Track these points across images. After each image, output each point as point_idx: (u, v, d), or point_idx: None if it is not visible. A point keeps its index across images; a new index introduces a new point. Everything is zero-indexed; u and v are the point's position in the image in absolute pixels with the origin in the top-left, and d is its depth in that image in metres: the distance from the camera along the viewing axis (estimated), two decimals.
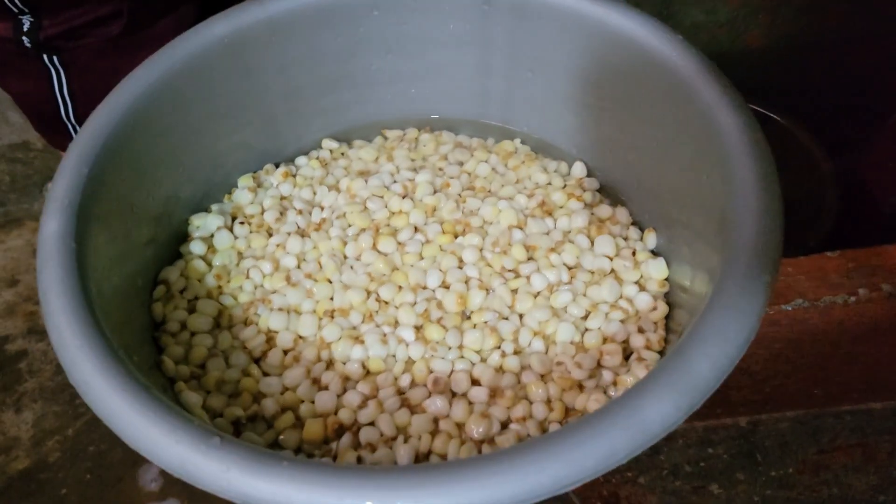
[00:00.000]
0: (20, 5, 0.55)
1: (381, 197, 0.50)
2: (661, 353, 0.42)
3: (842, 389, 0.55)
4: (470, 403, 0.40)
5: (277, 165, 0.54)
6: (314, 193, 0.51)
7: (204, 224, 0.48)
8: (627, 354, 0.43)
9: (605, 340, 0.43)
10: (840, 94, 0.86)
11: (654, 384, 0.30)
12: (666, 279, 0.45)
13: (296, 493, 0.27)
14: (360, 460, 0.38)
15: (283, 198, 0.51)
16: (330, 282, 0.46)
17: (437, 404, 0.40)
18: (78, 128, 0.67)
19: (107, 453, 1.19)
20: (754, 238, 0.34)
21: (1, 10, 0.55)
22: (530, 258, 0.47)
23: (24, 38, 0.57)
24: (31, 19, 0.57)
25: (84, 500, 1.16)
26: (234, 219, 0.49)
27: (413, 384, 0.41)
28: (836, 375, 0.53)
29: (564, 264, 0.46)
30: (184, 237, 0.48)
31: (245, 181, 0.51)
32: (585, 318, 0.44)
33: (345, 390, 0.41)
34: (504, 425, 0.40)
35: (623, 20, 0.45)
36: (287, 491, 0.28)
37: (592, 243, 0.47)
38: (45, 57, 0.61)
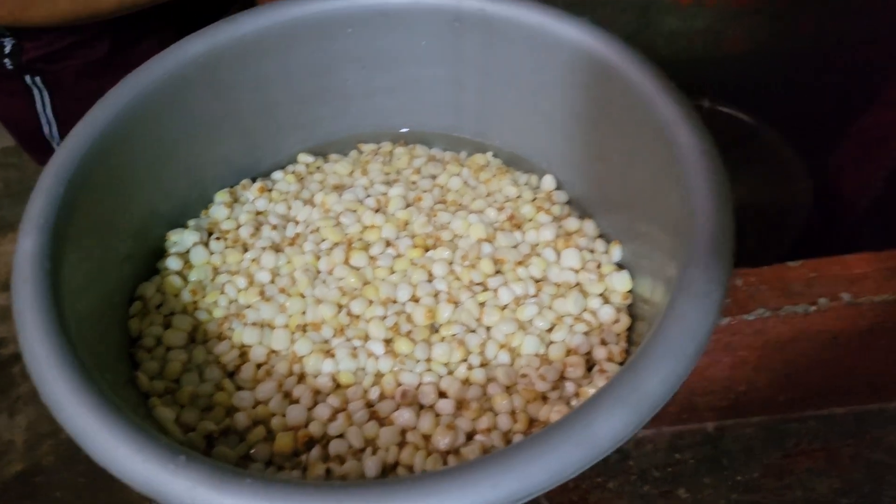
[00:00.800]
0: (1, 27, 0.55)
1: (355, 211, 0.51)
2: (622, 364, 0.43)
3: (805, 395, 0.56)
4: (437, 415, 0.41)
5: (254, 180, 0.55)
6: (289, 208, 0.53)
7: (180, 240, 0.49)
8: (590, 366, 0.44)
9: (568, 352, 0.44)
10: (813, 99, 0.87)
11: (604, 400, 0.31)
12: (629, 291, 0.46)
13: None
14: (329, 472, 0.39)
15: (258, 213, 0.52)
16: (303, 296, 0.47)
17: (404, 416, 0.41)
18: None
19: None
20: (706, 255, 0.35)
21: None
22: (498, 271, 0.48)
23: (5, 60, 0.58)
24: (13, 41, 0.58)
25: (78, 502, 1.17)
26: (210, 234, 0.50)
27: (382, 397, 0.42)
28: (799, 382, 0.55)
29: (531, 277, 0.47)
30: (160, 252, 0.49)
31: (222, 196, 0.52)
32: (550, 330, 0.45)
33: (315, 403, 0.42)
34: (469, 436, 0.41)
35: (584, 37, 0.46)
36: None
37: (559, 256, 0.48)
38: (27, 78, 0.61)
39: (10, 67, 0.59)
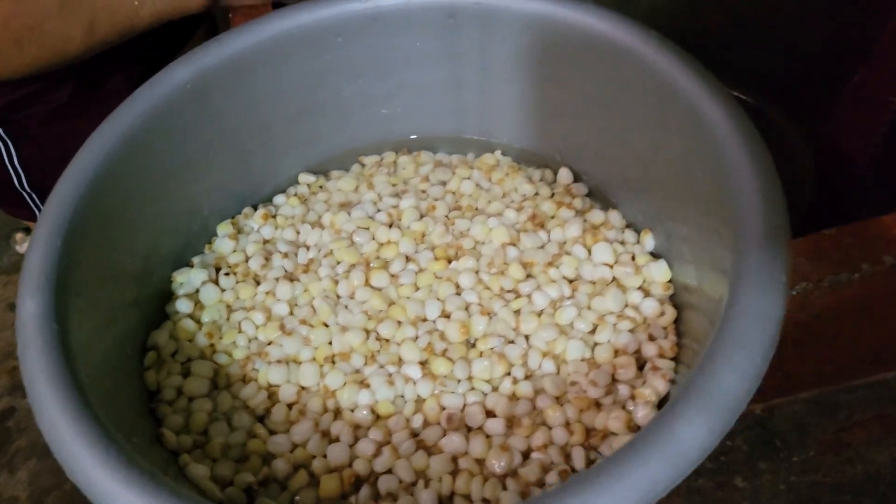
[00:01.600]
0: None
1: (367, 228, 0.49)
2: (675, 359, 0.41)
3: (852, 363, 0.54)
4: (487, 437, 0.39)
5: (256, 207, 0.52)
6: (297, 233, 0.50)
7: (188, 280, 0.46)
8: (641, 365, 0.41)
9: (616, 353, 0.41)
10: (801, 65, 0.85)
11: (682, 408, 0.29)
12: (669, 281, 0.44)
13: None
14: None
15: (265, 241, 0.49)
16: (326, 325, 0.44)
17: (454, 442, 0.38)
18: (35, 196, 0.65)
19: None
20: (763, 235, 0.33)
21: None
22: (528, 275, 0.45)
23: None
24: None
25: None
26: (218, 270, 0.47)
27: (426, 424, 0.40)
28: (845, 351, 0.53)
29: (564, 278, 0.45)
30: (168, 295, 0.46)
31: (224, 228, 0.49)
32: (593, 331, 0.42)
33: (356, 439, 0.39)
34: (525, 455, 0.38)
35: (593, 20, 0.44)
36: None
37: (590, 252, 0.46)
38: None
39: None
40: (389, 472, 0.38)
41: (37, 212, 0.68)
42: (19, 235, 1.46)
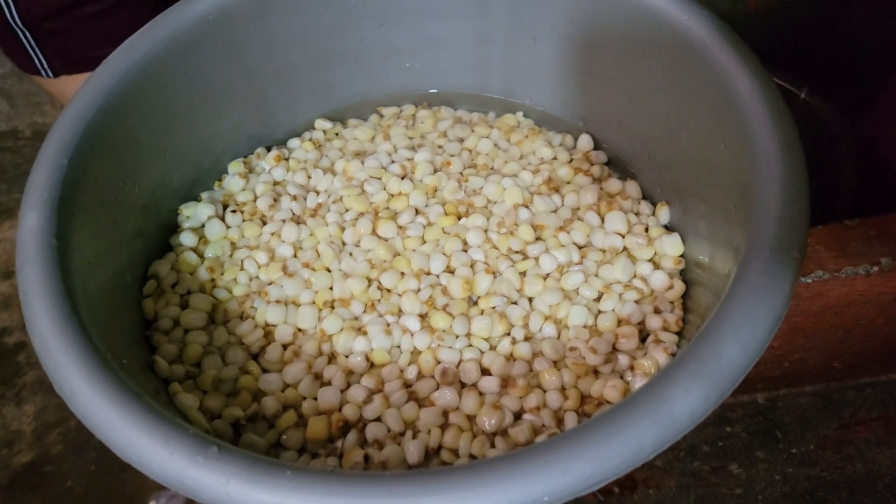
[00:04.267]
0: None
1: (379, 178, 0.48)
2: (680, 334, 0.40)
3: (862, 362, 0.53)
4: (480, 394, 0.38)
5: (269, 149, 0.51)
6: (308, 177, 0.49)
7: (194, 213, 0.46)
8: (644, 337, 0.40)
9: (619, 323, 0.40)
10: (843, 53, 0.83)
11: (680, 373, 0.28)
12: (682, 256, 0.43)
13: None
14: (367, 459, 0.36)
15: (276, 183, 0.49)
16: (329, 270, 0.44)
17: (446, 396, 0.38)
18: (27, 32, 0.63)
19: None
20: (780, 210, 0.32)
21: None
22: (538, 238, 0.44)
23: None
24: None
25: (89, 491, 1.15)
26: (225, 207, 0.47)
27: (420, 376, 0.39)
28: (856, 348, 0.51)
29: (574, 243, 0.44)
30: (173, 228, 0.46)
31: (236, 167, 0.49)
32: (598, 299, 0.42)
33: (348, 385, 0.39)
34: (517, 416, 0.38)
35: None
36: (292, 503, 0.26)
37: (603, 220, 0.45)
38: None
39: None
40: (378, 420, 0.37)
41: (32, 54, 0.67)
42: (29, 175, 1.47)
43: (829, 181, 0.70)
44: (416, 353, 0.40)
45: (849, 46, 0.87)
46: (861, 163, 0.71)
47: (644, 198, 0.47)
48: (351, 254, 0.44)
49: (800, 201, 0.32)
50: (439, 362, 0.39)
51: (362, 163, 0.49)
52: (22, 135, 1.50)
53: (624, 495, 0.50)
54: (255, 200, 0.47)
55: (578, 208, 0.46)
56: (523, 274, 0.43)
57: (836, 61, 0.85)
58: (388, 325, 0.41)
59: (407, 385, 0.39)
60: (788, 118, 0.35)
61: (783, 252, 0.31)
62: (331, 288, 0.43)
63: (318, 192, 0.48)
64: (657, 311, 0.41)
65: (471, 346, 0.40)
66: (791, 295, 0.30)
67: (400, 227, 0.45)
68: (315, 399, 0.38)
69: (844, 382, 0.53)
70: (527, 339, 0.40)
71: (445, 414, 0.38)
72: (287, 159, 0.50)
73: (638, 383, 0.37)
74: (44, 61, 0.67)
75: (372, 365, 0.40)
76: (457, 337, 0.40)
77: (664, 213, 0.45)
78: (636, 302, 0.41)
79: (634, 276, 0.42)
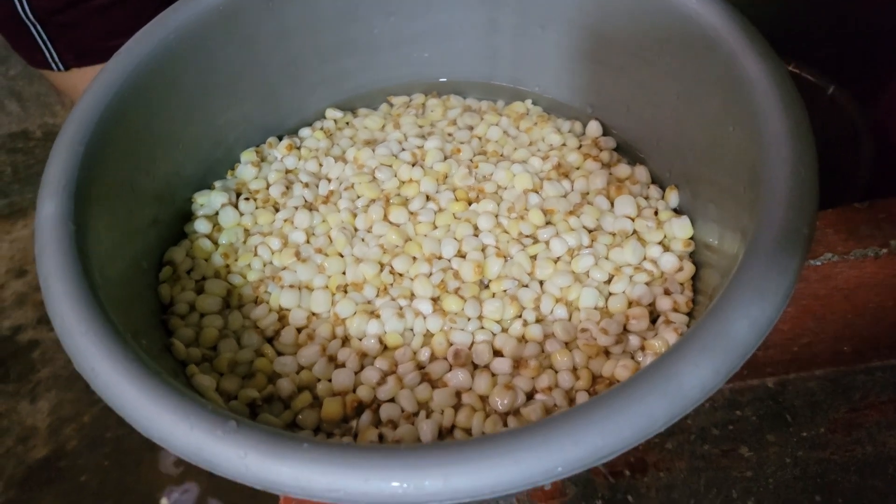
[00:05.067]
0: None
1: (390, 166, 0.48)
2: (690, 314, 0.40)
3: (872, 345, 0.53)
4: (493, 375, 0.39)
5: (280, 138, 0.52)
6: (320, 165, 0.50)
7: (208, 201, 0.46)
8: (654, 318, 0.41)
9: (630, 304, 0.41)
10: (857, 41, 0.83)
11: (690, 348, 0.28)
12: (691, 238, 0.43)
13: (318, 477, 0.26)
14: (381, 438, 0.36)
15: (288, 171, 0.49)
16: (341, 255, 0.44)
17: (458, 378, 0.38)
18: (39, 27, 0.64)
19: (124, 438, 1.19)
20: (789, 190, 0.32)
21: None
22: (548, 222, 0.45)
23: None
24: None
25: (104, 485, 1.16)
26: (238, 195, 0.48)
27: (433, 358, 0.40)
28: (866, 331, 0.52)
29: (584, 227, 0.44)
30: (188, 216, 0.47)
31: (248, 156, 0.49)
32: (609, 282, 0.42)
33: (362, 367, 0.40)
34: (529, 396, 0.38)
35: None
36: (309, 474, 0.26)
37: (612, 204, 0.45)
38: None
39: None
40: (392, 400, 0.38)
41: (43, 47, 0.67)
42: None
43: (848, 175, 0.70)
44: (428, 335, 0.41)
45: (864, 34, 0.86)
46: (875, 152, 0.71)
47: (654, 182, 0.47)
48: (363, 239, 0.45)
49: (809, 182, 0.33)
50: (452, 344, 0.40)
51: (373, 151, 0.49)
52: (33, 136, 1.52)
53: (635, 477, 0.50)
54: (267, 188, 0.48)
55: (588, 193, 0.46)
56: (534, 257, 0.43)
57: (852, 50, 0.85)
58: (401, 308, 0.41)
59: (420, 367, 0.39)
60: (797, 100, 0.35)
61: (792, 230, 0.31)
62: (343, 273, 0.43)
63: (329, 180, 0.49)
64: (667, 292, 0.41)
65: (483, 328, 0.41)
66: (800, 271, 0.31)
67: (411, 213, 0.46)
68: (329, 381, 0.39)
69: (854, 366, 0.53)
70: (538, 321, 0.41)
71: (458, 395, 0.38)
72: (299, 148, 0.51)
73: (649, 362, 0.38)
74: (55, 55, 0.67)
75: (385, 347, 0.41)
76: (469, 319, 0.41)
77: (674, 197, 0.45)
78: (646, 284, 0.41)
79: (644, 259, 0.43)
